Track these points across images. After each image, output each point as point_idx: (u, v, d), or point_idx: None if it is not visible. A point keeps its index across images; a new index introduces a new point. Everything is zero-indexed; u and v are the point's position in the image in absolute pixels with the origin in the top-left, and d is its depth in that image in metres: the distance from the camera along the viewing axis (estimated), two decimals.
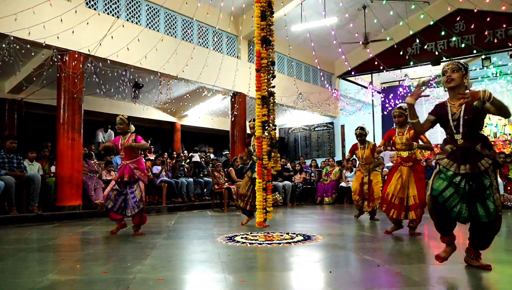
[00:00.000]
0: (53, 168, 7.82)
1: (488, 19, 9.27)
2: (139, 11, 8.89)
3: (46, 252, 4.08)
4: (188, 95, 11.08)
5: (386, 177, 5.31)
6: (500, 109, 2.79)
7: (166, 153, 10.76)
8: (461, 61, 3.00)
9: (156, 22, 9.22)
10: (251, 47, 11.41)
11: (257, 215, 5.45)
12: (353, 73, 13.35)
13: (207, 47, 10.34)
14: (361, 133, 6.38)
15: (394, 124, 5.04)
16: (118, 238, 4.73)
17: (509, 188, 8.58)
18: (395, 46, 11.53)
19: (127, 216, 4.91)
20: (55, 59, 7.29)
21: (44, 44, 6.98)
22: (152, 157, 10.41)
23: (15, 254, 3.83)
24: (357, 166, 6.73)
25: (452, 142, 2.94)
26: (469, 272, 2.86)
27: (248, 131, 6.18)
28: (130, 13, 8.70)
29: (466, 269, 2.92)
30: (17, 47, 6.84)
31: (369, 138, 6.74)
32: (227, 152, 12.50)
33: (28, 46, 6.98)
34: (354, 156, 6.63)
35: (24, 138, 9.46)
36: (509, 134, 13.03)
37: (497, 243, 4.29)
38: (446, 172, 2.89)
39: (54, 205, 7.27)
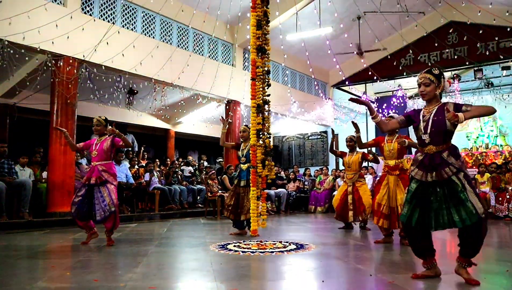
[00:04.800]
0: (44, 174, 7.75)
1: (480, 32, 9.41)
2: (135, 17, 8.90)
3: (35, 259, 4.03)
4: (182, 102, 11.07)
5: (375, 187, 5.33)
6: (479, 116, 2.99)
7: (157, 160, 10.71)
8: (436, 71, 3.03)
9: (151, 29, 9.23)
10: (246, 55, 11.46)
11: (251, 223, 5.43)
12: (347, 82, 13.44)
13: (202, 54, 10.37)
14: (351, 139, 6.35)
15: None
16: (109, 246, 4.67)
17: (500, 198, 8.63)
18: (389, 57, 11.63)
19: (96, 221, 4.67)
20: (49, 64, 7.27)
21: (38, 49, 6.96)
22: (144, 163, 10.37)
23: (4, 261, 3.78)
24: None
25: (421, 149, 3.02)
26: (461, 282, 2.86)
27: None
28: (125, 19, 8.71)
29: (459, 279, 2.92)
30: (11, 51, 6.81)
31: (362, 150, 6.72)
32: (221, 160, 12.48)
33: (22, 50, 6.94)
34: (341, 161, 6.57)
35: (16, 143, 9.38)
36: (501, 145, 13.15)
37: (489, 253, 4.32)
38: (415, 191, 2.96)
39: (45, 211, 7.19)
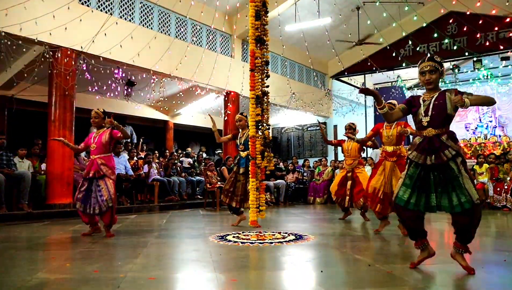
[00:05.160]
0: (43, 166, 7.75)
1: (480, 22, 9.36)
2: (132, 8, 8.84)
3: (35, 250, 4.04)
4: (181, 93, 11.04)
5: (371, 172, 5.36)
6: (481, 104, 2.99)
7: (156, 152, 10.71)
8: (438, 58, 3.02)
9: (149, 20, 9.17)
10: (245, 46, 11.40)
11: (250, 214, 5.45)
12: (346, 73, 13.40)
13: (201, 45, 10.31)
14: (350, 126, 6.30)
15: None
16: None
17: (498, 189, 8.67)
18: (388, 48, 11.58)
19: (91, 214, 4.65)
20: (47, 56, 7.22)
21: (36, 40, 6.91)
22: (143, 155, 10.37)
23: (4, 252, 3.80)
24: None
25: (420, 132, 3.01)
26: (459, 272, 2.87)
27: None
28: (123, 10, 8.65)
29: (457, 269, 2.93)
30: (8, 43, 6.77)
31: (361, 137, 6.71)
32: (220, 151, 12.48)
33: (20, 42, 6.90)
34: (341, 149, 6.62)
35: (15, 135, 9.37)
36: (499, 136, 13.18)
37: (487, 243, 4.35)
38: (413, 173, 2.96)
39: (44, 203, 7.21)
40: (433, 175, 2.91)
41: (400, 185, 3.03)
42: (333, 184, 6.62)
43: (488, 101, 2.93)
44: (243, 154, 5.72)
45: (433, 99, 2.96)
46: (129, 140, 11.69)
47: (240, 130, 5.90)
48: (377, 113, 13.84)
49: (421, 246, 3.02)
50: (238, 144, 5.83)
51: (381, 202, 4.85)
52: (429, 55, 3.07)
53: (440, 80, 3.06)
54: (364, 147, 6.39)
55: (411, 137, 4.94)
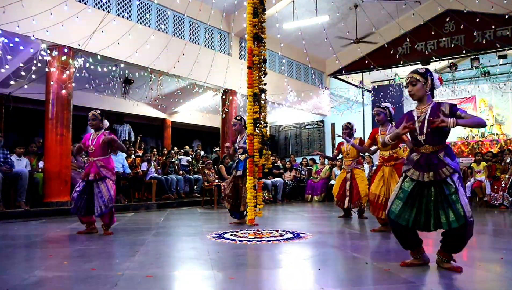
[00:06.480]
0: (41, 164, 7.73)
1: (477, 20, 9.37)
2: (130, 6, 8.80)
3: (33, 248, 4.04)
4: (179, 91, 11.03)
5: (371, 177, 5.37)
6: (470, 126, 3.00)
7: (155, 150, 10.69)
8: (425, 67, 3.03)
9: (147, 18, 9.14)
10: (243, 44, 11.38)
11: (248, 212, 5.45)
12: (344, 71, 13.41)
13: (198, 43, 10.29)
14: (347, 126, 6.33)
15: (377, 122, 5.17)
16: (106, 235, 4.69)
17: (495, 187, 8.69)
18: (386, 46, 11.58)
19: (95, 216, 4.69)
20: (44, 53, 7.19)
21: (33, 38, 6.88)
22: (140, 153, 10.35)
23: (2, 250, 3.79)
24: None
25: (417, 148, 3.00)
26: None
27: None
28: (121, 7, 8.62)
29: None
30: (5, 40, 6.73)
31: (359, 136, 6.72)
32: (218, 149, 12.48)
33: (17, 39, 6.87)
34: (340, 154, 6.61)
35: (12, 133, 9.35)
36: (497, 134, 13.21)
37: (484, 241, 4.36)
38: (407, 187, 2.95)
39: (41, 201, 7.20)
40: (429, 192, 2.89)
41: (394, 198, 3.01)
42: (335, 186, 6.60)
43: (480, 123, 2.89)
44: (241, 157, 5.72)
45: (427, 115, 2.93)
46: (127, 137, 11.69)
47: (238, 134, 5.91)
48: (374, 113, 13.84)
49: (417, 255, 3.01)
50: (237, 147, 5.83)
51: (382, 208, 4.83)
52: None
53: (428, 90, 2.98)
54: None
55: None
